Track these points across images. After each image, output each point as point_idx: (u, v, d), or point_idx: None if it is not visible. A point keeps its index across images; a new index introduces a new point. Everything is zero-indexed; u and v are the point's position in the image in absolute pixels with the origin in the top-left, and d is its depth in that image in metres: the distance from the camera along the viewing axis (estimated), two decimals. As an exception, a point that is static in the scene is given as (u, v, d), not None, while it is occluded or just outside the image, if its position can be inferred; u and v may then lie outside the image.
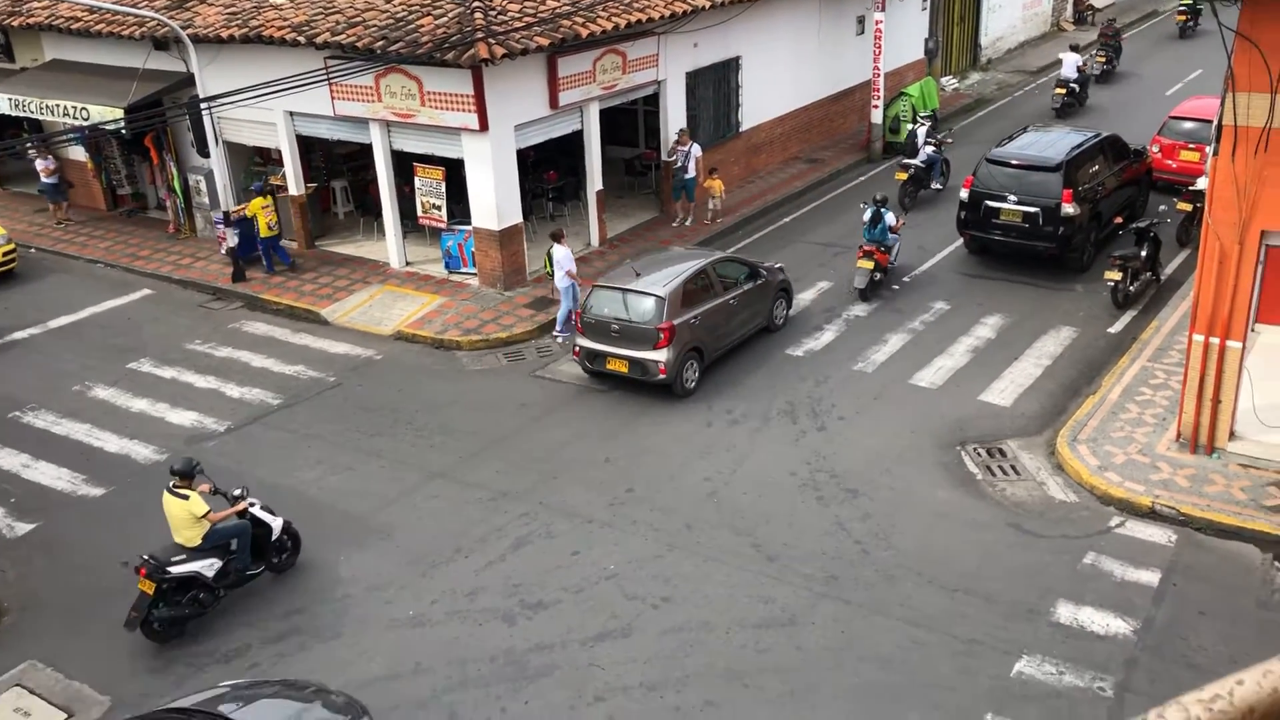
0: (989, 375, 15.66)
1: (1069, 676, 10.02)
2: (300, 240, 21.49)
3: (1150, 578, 11.32)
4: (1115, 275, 17.01)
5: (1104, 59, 31.82)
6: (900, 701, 9.86)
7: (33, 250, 22.65)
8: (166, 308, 19.71)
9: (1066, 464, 13.24)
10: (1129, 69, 33.08)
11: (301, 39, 18.44)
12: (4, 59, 24.63)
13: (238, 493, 11.65)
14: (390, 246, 20.37)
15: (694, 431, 14.61)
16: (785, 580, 11.57)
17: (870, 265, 18.00)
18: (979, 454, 13.78)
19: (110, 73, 21.93)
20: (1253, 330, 14.50)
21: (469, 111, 17.89)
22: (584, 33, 18.41)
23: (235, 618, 11.37)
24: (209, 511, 11.08)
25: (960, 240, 19.91)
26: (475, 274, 19.40)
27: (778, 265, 17.89)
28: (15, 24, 22.91)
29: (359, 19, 18.66)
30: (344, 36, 18.12)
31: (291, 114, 20.25)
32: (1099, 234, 19.16)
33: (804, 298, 18.57)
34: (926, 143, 23.01)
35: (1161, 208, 20.37)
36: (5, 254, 21.04)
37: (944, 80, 31.49)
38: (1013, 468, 13.46)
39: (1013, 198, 18.50)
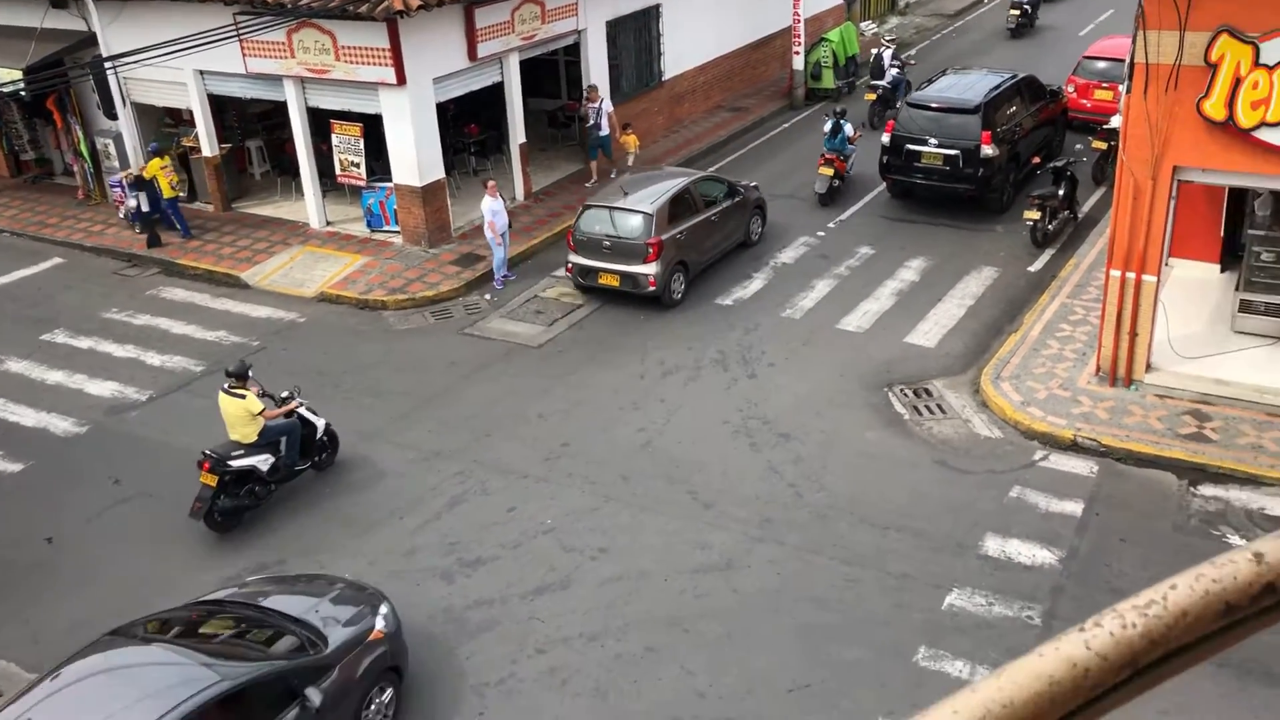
0: (914, 317, 15.90)
1: (998, 607, 10.32)
2: (216, 203, 20.94)
3: (1073, 508, 11.66)
4: (1034, 215, 17.32)
5: None
6: (836, 639, 10.07)
7: (-67, 221, 21.78)
8: (80, 276, 19.12)
9: (990, 401, 13.53)
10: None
11: (207, -6, 17.84)
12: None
13: (285, 394, 12.55)
14: (310, 206, 19.96)
15: (626, 384, 14.63)
16: (721, 526, 11.70)
17: (830, 172, 19.69)
18: (906, 395, 14.02)
19: (5, 32, 21.03)
20: (1166, 264, 14.89)
21: (385, 65, 17.51)
22: (500, -18, 18.08)
23: (153, 588, 11.18)
24: (264, 409, 11.98)
25: (883, 185, 20.08)
26: (398, 232, 19.11)
27: (753, 184, 18.95)
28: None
29: (267, -28, 18.09)
30: (252, -10, 17.57)
31: (202, 73, 19.64)
32: (1018, 174, 19.46)
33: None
34: (891, 65, 24.24)
35: (1078, 146, 20.69)
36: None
37: (863, 25, 31.57)
38: (939, 407, 13.72)
39: (933, 141, 18.68)
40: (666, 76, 24.27)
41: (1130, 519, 11.49)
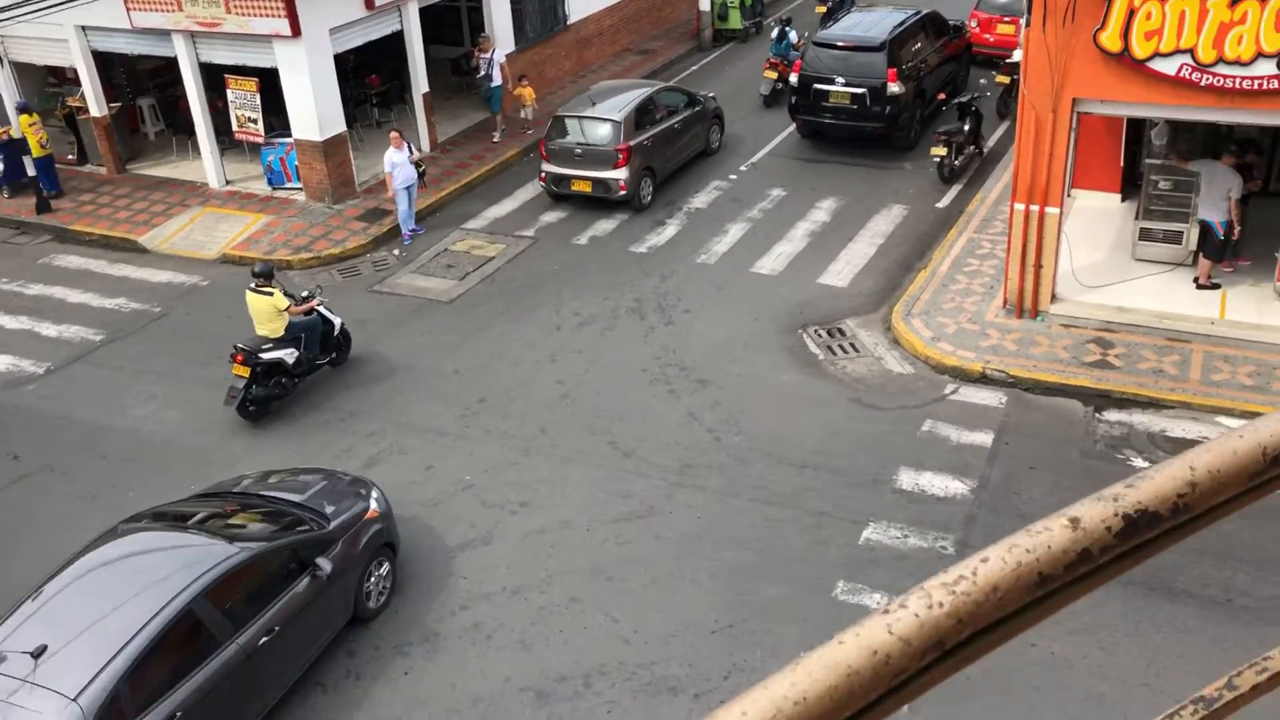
0: (826, 258, 16.00)
1: (913, 539, 10.52)
2: (109, 165, 20.16)
3: (984, 439, 11.91)
4: (940, 151, 17.48)
5: None
6: (758, 578, 10.19)
7: None
8: (-35, 246, 18.30)
9: (902, 338, 13.71)
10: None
11: (84, -56, 16.99)
12: None
13: (305, 294, 13.51)
14: (207, 166, 19.32)
15: (543, 336, 14.51)
16: (642, 474, 11.72)
17: (774, 75, 21.17)
18: (820, 335, 14.13)
19: None
20: (1069, 195, 15.17)
21: (279, 17, 16.91)
22: (395, -73, 17.52)
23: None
24: (290, 306, 12.91)
25: (793, 125, 20.07)
26: (301, 189, 18.60)
27: (710, 95, 19.89)
28: None
29: (147, -80, 17.30)
30: (132, -60, 16.79)
31: (84, 29, 18.79)
32: (924, 111, 19.59)
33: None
34: None
35: (981, 82, 20.92)
36: None
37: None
38: (852, 345, 13.86)
39: (840, 80, 18.69)
40: (572, 20, 23.88)
41: (1039, 447, 11.77)
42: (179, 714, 7.83)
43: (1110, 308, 13.65)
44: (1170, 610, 9.51)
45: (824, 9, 24.69)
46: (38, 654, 7.60)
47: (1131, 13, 11.76)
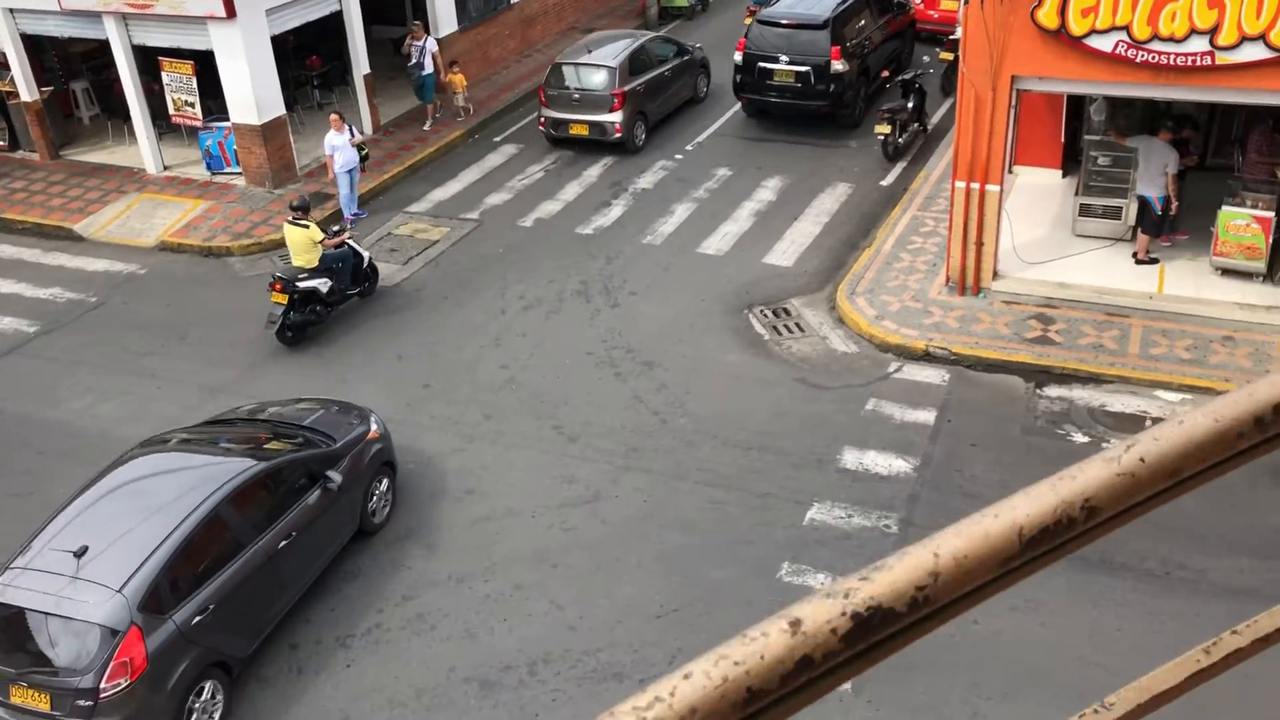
0: (772, 237, 15.98)
1: (857, 518, 10.58)
2: (42, 151, 19.65)
3: (927, 417, 11.98)
4: (885, 129, 17.49)
5: None
6: (703, 561, 10.20)
7: None
8: (-107, 237, 17.79)
9: (846, 316, 13.75)
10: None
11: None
12: None
13: (336, 229, 14.69)
14: (144, 151, 18.90)
15: (487, 321, 14.38)
16: (587, 458, 11.67)
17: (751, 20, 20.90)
18: (766, 315, 14.13)
19: None
20: (1010, 172, 15.28)
21: (212, -3, 16.54)
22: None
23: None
24: (324, 238, 13.89)
25: (738, 105, 20.00)
26: (240, 173, 18.26)
27: (698, 45, 20.92)
28: None
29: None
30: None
31: (12, 11, 18.28)
32: (868, 88, 19.59)
33: (590, 173, 18.37)
34: None
35: (925, 58, 20.97)
36: None
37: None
38: (797, 325, 13.87)
39: (784, 58, 18.63)
40: (516, -1, 23.60)
41: (981, 424, 11.86)
42: (211, 606, 8.66)
43: (1051, 283, 13.77)
44: (1108, 584, 9.64)
45: None
46: (80, 554, 8.36)
47: (1068, -10, 11.80)
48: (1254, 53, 11.43)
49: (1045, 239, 14.67)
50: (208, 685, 8.67)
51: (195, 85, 18.01)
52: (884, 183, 17.44)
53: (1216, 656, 1.10)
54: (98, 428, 12.68)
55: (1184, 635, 9.02)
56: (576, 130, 18.48)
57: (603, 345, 13.70)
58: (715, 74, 20.94)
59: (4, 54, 19.05)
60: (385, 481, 10.88)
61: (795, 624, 0.75)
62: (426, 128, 20.06)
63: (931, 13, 22.40)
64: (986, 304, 13.67)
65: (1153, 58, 11.80)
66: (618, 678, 9.03)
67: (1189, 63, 11.71)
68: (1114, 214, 14.43)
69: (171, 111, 18.41)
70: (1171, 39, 11.65)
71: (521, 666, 9.19)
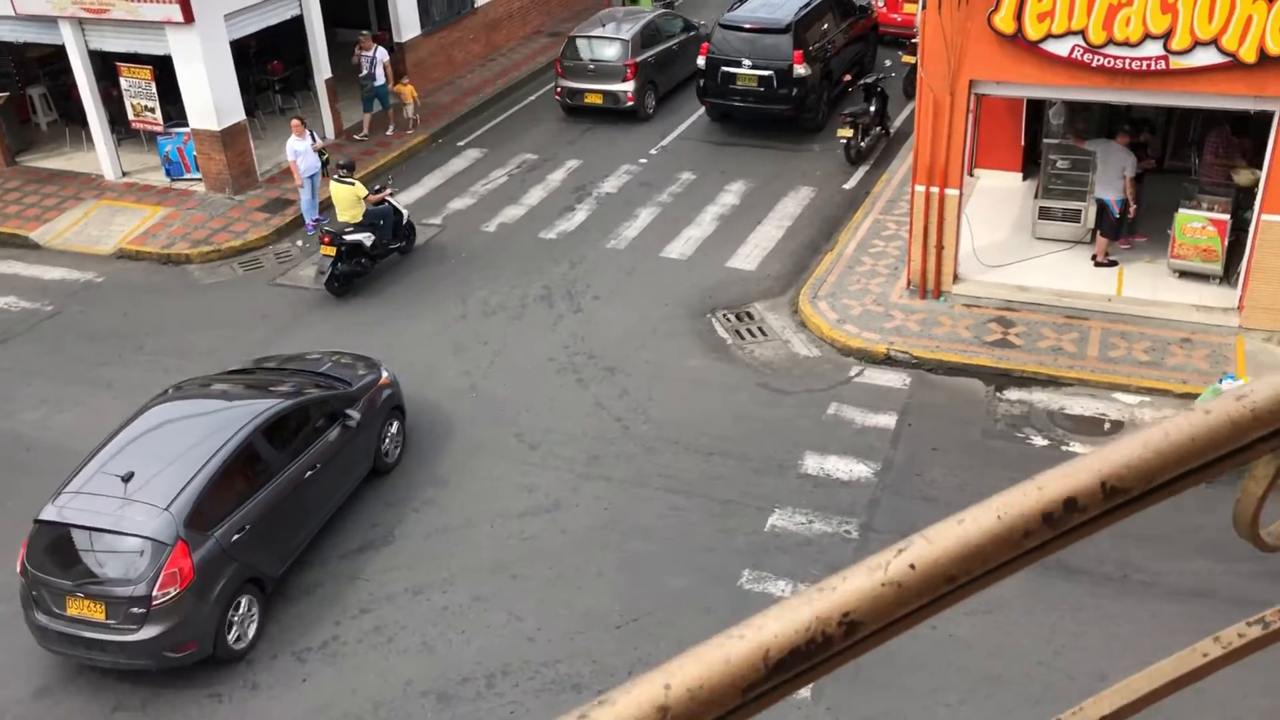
0: (735, 241, 15.97)
1: (818, 524, 10.57)
2: (-2, 157, 19.39)
3: (888, 421, 11.99)
4: (847, 132, 17.51)
5: None
6: (663, 569, 10.15)
7: None
8: None
9: (808, 320, 13.75)
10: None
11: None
12: None
13: (378, 187, 15.71)
14: (102, 157, 18.67)
15: (448, 325, 14.29)
16: (548, 466, 11.61)
17: None
18: (728, 319, 14.12)
19: None
20: (971, 175, 15.34)
21: (170, 2, 16.36)
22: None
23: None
24: (368, 195, 14.99)
25: (702, 109, 19.99)
26: (200, 179, 18.07)
27: (702, 22, 21.88)
28: None
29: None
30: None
31: (-35, 15, 18.01)
32: (831, 92, 19.62)
33: (554, 177, 18.30)
34: None
35: (887, 62, 21.02)
36: None
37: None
38: (760, 329, 13.87)
39: (747, 62, 18.63)
40: (480, 2, 23.50)
41: (941, 427, 11.88)
42: (247, 526, 9.44)
43: (1011, 286, 13.83)
44: (1066, 588, 9.67)
45: None
46: (127, 478, 9.12)
47: (1024, -5, 11.85)
48: (1206, 57, 11.51)
49: (1005, 242, 14.73)
50: (244, 600, 9.41)
51: (155, 90, 17.80)
52: (846, 186, 17.47)
53: (1215, 654, 1.06)
54: (52, 440, 12.49)
55: (1142, 638, 9.08)
56: (591, 99, 19.79)
57: (565, 351, 13.63)
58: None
59: (-42, 59, 18.77)
60: (396, 424, 11.76)
61: (666, 689, 0.69)
62: (360, 138, 19.74)
63: (895, 16, 22.47)
64: (947, 307, 13.71)
65: (1108, 62, 11.86)
66: (576, 689, 8.97)
67: (1144, 67, 11.78)
68: (1073, 217, 14.50)
69: (131, 117, 18.20)
70: (1126, 43, 11.72)
71: (479, 679, 9.12)
